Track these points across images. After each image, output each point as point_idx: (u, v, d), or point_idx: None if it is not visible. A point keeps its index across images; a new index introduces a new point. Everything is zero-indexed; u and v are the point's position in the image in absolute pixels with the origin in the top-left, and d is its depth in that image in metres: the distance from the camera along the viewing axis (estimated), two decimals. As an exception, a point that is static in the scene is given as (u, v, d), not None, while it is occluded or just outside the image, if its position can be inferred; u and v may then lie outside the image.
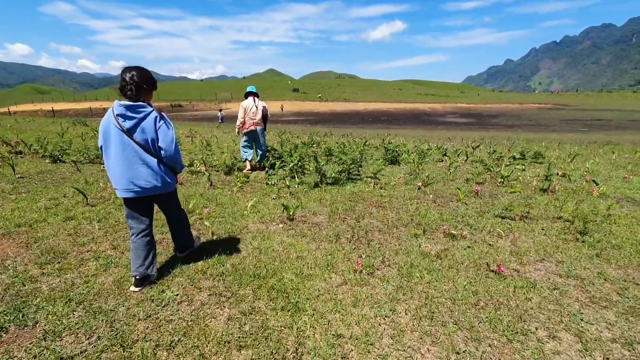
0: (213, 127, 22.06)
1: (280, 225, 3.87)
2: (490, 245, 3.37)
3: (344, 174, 6.31)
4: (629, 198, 5.19)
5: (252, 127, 6.49)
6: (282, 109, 60.46)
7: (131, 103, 2.30)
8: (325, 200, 4.92)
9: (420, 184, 5.71)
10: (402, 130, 25.23)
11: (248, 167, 6.80)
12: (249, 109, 6.45)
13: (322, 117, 44.08)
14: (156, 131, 2.38)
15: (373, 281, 2.65)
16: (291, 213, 4.01)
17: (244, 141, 6.77)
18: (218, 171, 6.75)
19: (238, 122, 6.64)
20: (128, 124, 2.30)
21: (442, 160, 8.56)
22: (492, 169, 7.11)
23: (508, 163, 8.30)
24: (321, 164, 6.10)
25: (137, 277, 2.51)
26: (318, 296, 2.42)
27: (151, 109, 2.38)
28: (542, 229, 3.81)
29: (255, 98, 6.57)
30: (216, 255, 3.03)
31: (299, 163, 6.73)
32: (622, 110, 51.07)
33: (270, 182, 5.61)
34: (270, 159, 7.41)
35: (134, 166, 2.37)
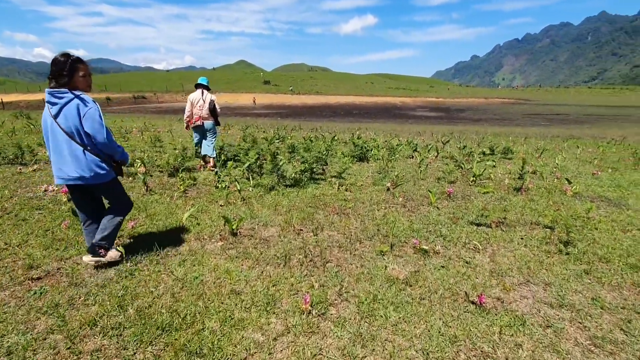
0: (175, 119, 20.64)
1: (220, 243, 3.16)
2: (467, 262, 2.86)
3: (306, 173, 5.66)
4: (603, 197, 4.95)
5: (199, 122, 6.07)
6: (254, 102, 58.80)
7: (54, 89, 2.28)
8: (281, 206, 4.25)
9: (389, 184, 5.18)
10: (373, 123, 24.95)
11: (211, 163, 6.32)
12: (195, 102, 6.03)
13: (294, 110, 43.15)
14: (80, 118, 2.31)
15: (324, 326, 2.03)
16: (234, 227, 3.30)
17: (195, 137, 6.43)
18: (162, 172, 5.88)
19: (185, 116, 6.23)
20: (54, 110, 2.31)
21: (413, 157, 8.13)
22: (463, 166, 6.75)
23: (479, 159, 8.03)
24: (281, 162, 5.42)
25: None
26: (246, 358, 1.76)
27: (72, 95, 2.30)
28: (522, 239, 3.37)
29: (204, 91, 6.11)
30: (120, 294, 2.28)
31: (257, 162, 6.00)
32: (579, 105, 54.06)
33: (220, 186, 4.86)
34: (222, 156, 6.62)
35: (63, 153, 2.36)
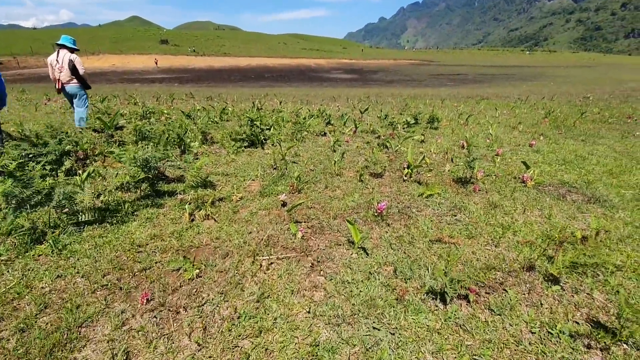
0: (40, 88, 15.05)
1: None
2: None
3: (140, 188, 3.24)
4: (569, 186, 3.70)
5: (59, 86, 5.60)
6: (156, 64, 50.53)
7: None
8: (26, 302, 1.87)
9: (283, 195, 3.11)
10: (286, 88, 22.43)
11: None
12: (54, 65, 5.50)
13: (197, 75, 37.72)
14: None
15: None
16: None
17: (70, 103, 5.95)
18: None
19: (52, 80, 5.67)
20: None
21: (325, 134, 6.19)
22: (389, 145, 5.06)
23: (404, 132, 6.50)
24: (82, 177, 2.86)
25: None
26: None
27: None
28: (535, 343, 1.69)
29: (60, 50, 5.49)
30: None
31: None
32: (473, 66, 59.01)
33: None
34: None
35: None
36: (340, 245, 2.39)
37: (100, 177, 3.71)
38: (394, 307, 1.77)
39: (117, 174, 3.19)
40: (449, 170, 4.13)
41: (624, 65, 60.80)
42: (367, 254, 2.27)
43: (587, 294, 1.90)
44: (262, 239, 2.45)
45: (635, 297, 1.87)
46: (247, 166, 4.23)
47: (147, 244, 2.41)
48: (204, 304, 1.81)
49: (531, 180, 3.69)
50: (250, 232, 2.57)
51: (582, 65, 62.16)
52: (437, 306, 1.79)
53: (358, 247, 2.32)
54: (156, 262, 2.20)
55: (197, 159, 4.48)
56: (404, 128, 6.83)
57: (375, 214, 2.78)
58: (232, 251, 2.31)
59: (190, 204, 2.98)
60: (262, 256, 2.24)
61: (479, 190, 3.46)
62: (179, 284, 1.98)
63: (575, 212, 3.00)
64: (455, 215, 2.88)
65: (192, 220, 2.76)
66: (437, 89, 21.95)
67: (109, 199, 3.08)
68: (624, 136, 6.41)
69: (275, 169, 4.13)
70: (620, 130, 7.00)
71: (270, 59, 66.65)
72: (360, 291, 1.89)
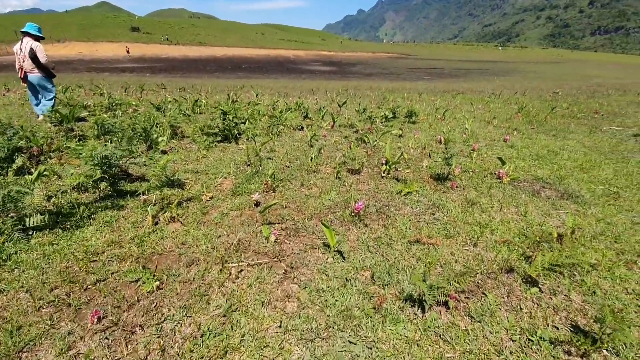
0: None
1: None
2: None
3: (99, 188, 2.98)
4: (542, 181, 3.74)
5: (22, 75, 5.45)
6: (128, 52, 48.24)
7: None
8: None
9: (257, 195, 2.94)
10: (264, 80, 21.94)
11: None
12: (18, 53, 5.35)
13: (171, 64, 36.29)
14: None
15: None
16: None
17: (29, 93, 5.76)
18: None
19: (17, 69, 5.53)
20: None
21: (303, 128, 6.02)
22: (367, 140, 4.97)
23: (382, 126, 6.44)
24: (32, 177, 2.58)
25: None
26: None
27: None
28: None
29: (24, 38, 5.31)
30: None
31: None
32: (449, 60, 60.08)
33: None
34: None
35: None
36: (315, 248, 2.27)
37: (56, 176, 3.40)
38: (371, 317, 1.67)
39: (72, 173, 2.90)
40: (426, 166, 4.09)
41: (589, 62, 63.80)
42: (344, 258, 2.15)
43: (565, 295, 1.87)
44: (232, 244, 2.29)
45: (611, 298, 1.86)
46: (219, 163, 4.01)
47: (104, 252, 2.19)
48: (164, 320, 1.64)
49: (507, 176, 3.70)
50: (220, 236, 2.40)
51: (551, 62, 64.70)
52: (416, 314, 1.70)
53: (334, 251, 2.20)
54: (112, 273, 1.99)
55: (166, 154, 4.21)
56: (382, 122, 6.77)
57: (353, 213, 2.67)
58: (199, 258, 2.13)
59: (154, 205, 2.76)
60: (232, 263, 2.08)
61: (456, 187, 3.43)
62: (136, 298, 1.79)
63: (550, 209, 3.01)
64: (433, 214, 2.82)
65: (156, 223, 2.55)
66: (415, 83, 22.14)
67: (62, 201, 2.80)
68: (592, 131, 6.63)
69: (249, 165, 3.94)
70: (588, 125, 7.25)
71: (248, 49, 65.11)
72: (336, 300, 1.77)
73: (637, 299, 1.86)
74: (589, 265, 2.08)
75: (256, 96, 10.19)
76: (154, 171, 2.70)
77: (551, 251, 2.21)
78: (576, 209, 3.04)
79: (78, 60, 38.09)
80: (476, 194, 3.29)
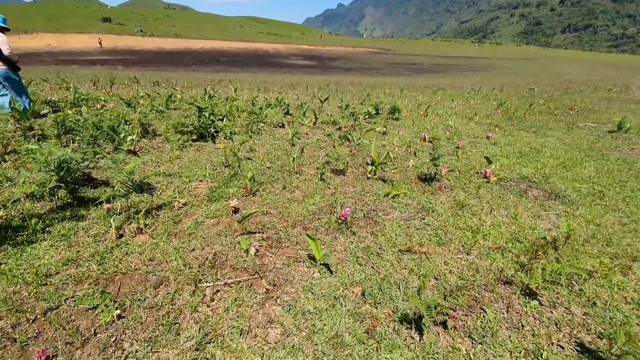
0: None
1: None
2: None
3: (57, 195, 2.66)
4: (528, 180, 3.69)
5: None
6: (100, 44, 46.01)
7: None
8: None
9: (235, 200, 2.71)
10: (243, 74, 21.37)
11: None
12: None
13: (145, 57, 34.90)
14: None
15: None
16: None
17: None
18: None
19: None
20: None
21: (284, 126, 5.78)
22: (350, 138, 4.80)
23: (365, 123, 6.30)
24: None
25: None
26: None
27: None
28: None
29: None
30: None
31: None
32: (427, 55, 60.80)
33: None
34: None
35: None
36: (300, 261, 2.07)
37: (9, 183, 3.03)
38: (364, 343, 1.50)
39: (24, 180, 2.57)
40: (412, 166, 3.97)
41: (560, 59, 66.22)
42: (331, 272, 1.97)
43: (566, 308, 1.77)
44: (207, 258, 2.06)
45: (611, 309, 1.77)
46: (194, 164, 3.73)
47: (58, 272, 1.92)
48: (125, 359, 1.40)
49: (494, 175, 3.63)
50: (193, 250, 2.16)
51: (525, 58, 66.73)
52: (412, 337, 1.55)
53: (321, 264, 2.02)
54: (66, 299, 1.73)
55: (135, 154, 3.89)
56: (365, 119, 6.62)
57: (339, 220, 2.49)
58: (168, 277, 1.89)
59: (119, 214, 2.48)
60: (206, 282, 1.86)
61: (444, 188, 3.32)
62: (92, 330, 1.54)
63: (539, 210, 2.95)
64: (423, 219, 2.69)
65: (121, 236, 2.28)
66: (395, 78, 22.19)
67: (14, 212, 2.47)
68: (570, 127, 6.73)
69: (227, 166, 3.68)
70: (565, 121, 7.38)
71: (226, 42, 63.50)
72: (324, 324, 1.59)
73: (637, 309, 1.78)
74: (586, 273, 1.99)
75: (235, 91, 9.81)
76: (118, 177, 2.41)
77: (546, 257, 2.11)
78: (564, 209, 2.99)
79: (46, 52, 35.93)
80: (465, 195, 3.19)
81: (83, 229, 2.34)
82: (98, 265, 1.97)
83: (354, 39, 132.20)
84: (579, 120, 7.63)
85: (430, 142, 5.27)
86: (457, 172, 3.85)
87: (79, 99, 6.57)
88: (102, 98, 7.28)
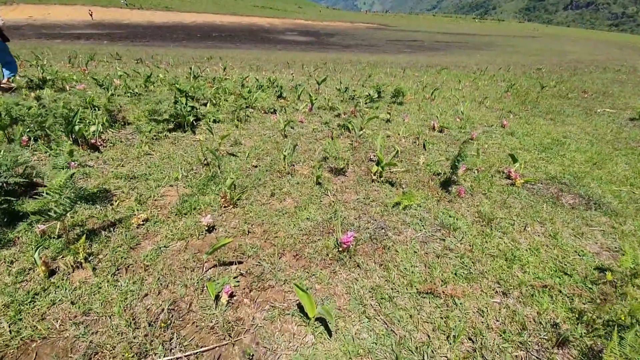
0: None
1: None
2: None
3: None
4: (559, 182, 3.16)
5: None
6: (91, 16, 44.00)
7: None
8: None
9: (208, 217, 2.16)
10: (235, 50, 20.25)
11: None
12: None
13: (133, 31, 33.18)
14: None
15: None
16: None
17: None
18: None
19: None
20: None
21: (275, 112, 5.14)
22: (351, 128, 4.21)
23: (366, 108, 5.66)
24: None
25: None
26: None
27: None
28: None
29: None
30: None
31: None
32: (428, 32, 58.71)
33: None
34: None
35: None
36: (288, 314, 1.55)
37: None
38: None
39: None
40: (423, 163, 3.41)
41: (563, 37, 64.37)
42: (330, 334, 1.46)
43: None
44: (163, 310, 1.53)
45: None
46: (167, 162, 3.13)
47: (-48, 335, 1.38)
48: None
49: (520, 177, 3.09)
50: (146, 295, 1.62)
51: (527, 36, 64.76)
52: None
53: (315, 320, 1.49)
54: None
55: (98, 151, 3.28)
56: (366, 103, 5.98)
57: (340, 248, 1.95)
58: (104, 346, 1.36)
59: (58, 238, 1.92)
60: (155, 354, 1.33)
61: (464, 194, 2.78)
62: None
63: (580, 225, 2.43)
64: (443, 240, 2.16)
65: (53, 273, 1.73)
66: (396, 56, 21.18)
67: None
68: (588, 114, 6.16)
69: (205, 165, 3.10)
70: (581, 106, 6.79)
71: (219, 15, 60.78)
72: None
73: None
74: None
75: (224, 70, 9.02)
76: (49, 192, 1.83)
77: (609, 302, 1.61)
78: (610, 224, 2.47)
79: (27, 25, 33.94)
80: (489, 204, 2.66)
81: (5, 262, 1.79)
82: (10, 324, 1.43)
83: (353, 14, 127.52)
84: (595, 104, 7.04)
85: (441, 131, 4.69)
86: (476, 171, 3.31)
87: (44, 80, 5.82)
88: (75, 78, 6.53)
